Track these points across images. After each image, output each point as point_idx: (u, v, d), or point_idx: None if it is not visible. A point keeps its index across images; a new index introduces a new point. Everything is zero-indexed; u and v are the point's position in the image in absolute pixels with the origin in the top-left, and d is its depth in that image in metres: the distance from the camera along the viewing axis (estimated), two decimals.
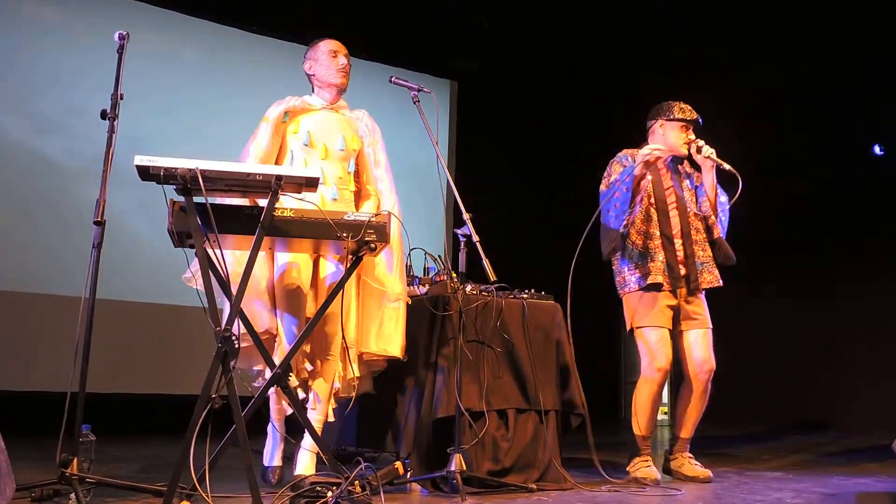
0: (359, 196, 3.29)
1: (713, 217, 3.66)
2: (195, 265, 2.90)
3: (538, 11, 7.01)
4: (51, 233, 5.38)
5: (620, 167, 3.62)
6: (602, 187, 3.65)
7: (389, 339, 3.12)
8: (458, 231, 3.01)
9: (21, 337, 5.22)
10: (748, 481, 3.49)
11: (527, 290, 3.54)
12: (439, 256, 3.54)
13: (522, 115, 7.55)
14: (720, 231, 3.66)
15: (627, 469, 3.51)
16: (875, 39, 6.21)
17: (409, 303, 3.23)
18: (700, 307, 3.61)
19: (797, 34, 6.50)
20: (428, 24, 6.99)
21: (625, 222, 3.51)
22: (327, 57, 3.25)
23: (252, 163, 3.02)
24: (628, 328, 3.62)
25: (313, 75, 3.28)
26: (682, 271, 3.57)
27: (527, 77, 7.50)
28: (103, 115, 2.62)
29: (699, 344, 3.57)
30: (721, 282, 3.62)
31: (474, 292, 3.33)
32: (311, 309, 3.06)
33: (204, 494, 2.32)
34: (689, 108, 3.70)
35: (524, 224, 7.17)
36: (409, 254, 3.53)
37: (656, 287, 3.51)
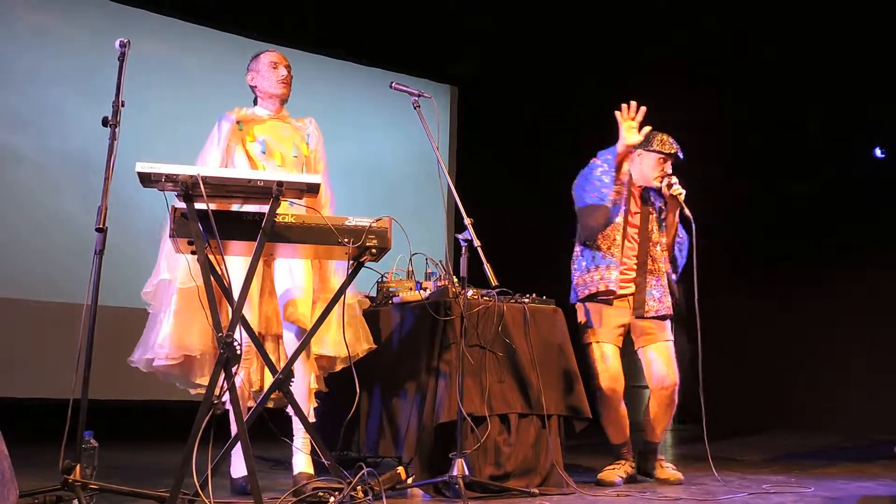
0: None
1: (668, 254, 3.72)
2: (154, 279, 2.97)
3: (539, 16, 7.02)
4: (52, 239, 5.39)
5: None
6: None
7: (327, 343, 3.13)
8: (460, 236, 3.01)
9: (23, 344, 5.23)
10: (750, 485, 3.48)
11: (528, 295, 3.55)
12: (440, 261, 3.54)
13: (523, 119, 7.55)
14: (673, 273, 3.72)
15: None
16: (877, 41, 6.22)
17: (360, 306, 3.26)
18: (655, 325, 3.66)
19: (796, 34, 6.51)
20: (428, 29, 7.01)
21: (611, 196, 3.50)
22: (268, 68, 3.26)
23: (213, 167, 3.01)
24: (583, 340, 3.67)
25: (255, 87, 3.30)
26: (631, 292, 3.65)
27: (527, 82, 7.51)
28: (105, 122, 2.62)
29: (657, 360, 3.64)
30: (672, 311, 3.67)
31: (476, 297, 3.33)
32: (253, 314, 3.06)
33: (206, 500, 2.33)
34: (670, 141, 3.71)
35: (525, 228, 7.16)
36: (411, 259, 3.54)
37: (608, 294, 3.60)
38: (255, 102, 3.31)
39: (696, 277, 3.49)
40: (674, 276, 3.73)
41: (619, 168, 3.50)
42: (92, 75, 5.43)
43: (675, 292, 3.72)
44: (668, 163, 3.70)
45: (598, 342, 3.62)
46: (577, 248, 3.76)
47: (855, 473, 4.09)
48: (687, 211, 3.60)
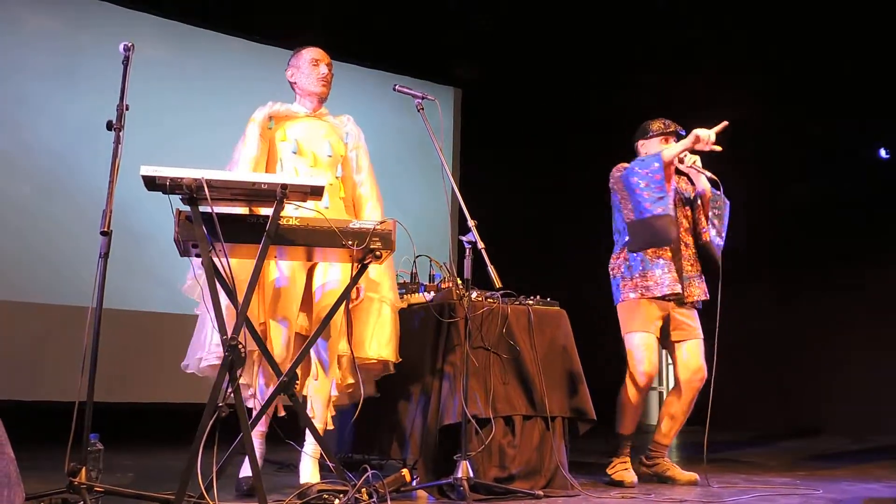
0: (348, 202, 3.27)
1: (704, 221, 3.75)
2: (193, 272, 2.92)
3: (542, 18, 7.02)
4: (57, 242, 5.40)
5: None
6: (615, 187, 3.64)
7: (383, 345, 3.12)
8: (464, 238, 3.01)
9: (29, 347, 5.24)
10: (756, 487, 3.47)
11: (532, 297, 3.55)
12: (444, 263, 3.55)
13: (526, 121, 7.55)
14: (709, 235, 3.72)
15: (607, 470, 3.63)
16: (879, 41, 6.21)
17: (401, 308, 3.26)
18: (691, 318, 3.71)
19: (797, 36, 6.50)
20: (431, 31, 7.01)
21: (670, 204, 3.46)
22: (309, 66, 3.26)
23: (244, 168, 3.01)
24: (623, 333, 3.71)
25: (295, 83, 3.30)
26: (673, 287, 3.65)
27: (531, 83, 7.51)
28: (109, 125, 2.63)
29: (692, 354, 3.68)
30: (708, 295, 3.73)
31: (480, 299, 3.33)
32: (296, 314, 3.05)
33: (211, 503, 2.33)
34: (668, 121, 3.80)
35: (529, 231, 7.16)
36: (415, 261, 3.54)
37: (665, 297, 3.61)
38: (295, 99, 3.31)
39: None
40: (718, 241, 3.69)
41: (668, 177, 3.50)
42: (74, 71, 5.45)
43: (712, 253, 3.70)
44: (672, 140, 3.74)
45: (638, 331, 3.62)
46: (623, 254, 3.71)
47: (860, 475, 4.08)
48: (709, 174, 3.65)
